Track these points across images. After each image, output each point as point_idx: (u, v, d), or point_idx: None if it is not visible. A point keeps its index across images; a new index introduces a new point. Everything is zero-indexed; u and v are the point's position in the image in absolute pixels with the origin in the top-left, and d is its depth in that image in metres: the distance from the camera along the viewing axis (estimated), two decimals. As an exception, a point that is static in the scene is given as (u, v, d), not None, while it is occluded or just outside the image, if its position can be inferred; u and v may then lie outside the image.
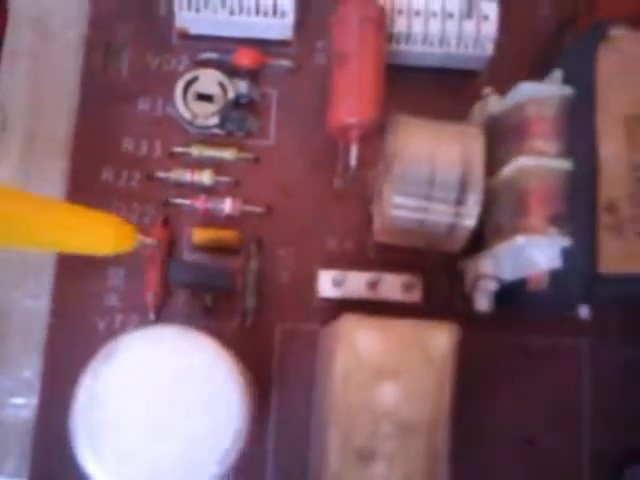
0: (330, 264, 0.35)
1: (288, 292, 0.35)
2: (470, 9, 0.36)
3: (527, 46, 0.38)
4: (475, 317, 0.33)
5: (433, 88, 0.37)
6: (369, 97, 0.33)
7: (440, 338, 0.28)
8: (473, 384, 0.34)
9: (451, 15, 0.36)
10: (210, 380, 0.25)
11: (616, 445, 0.35)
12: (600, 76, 0.28)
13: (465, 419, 0.33)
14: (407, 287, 0.34)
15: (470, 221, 0.31)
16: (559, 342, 0.35)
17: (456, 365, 0.28)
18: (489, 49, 0.36)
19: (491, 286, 0.32)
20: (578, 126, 0.29)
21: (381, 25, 0.35)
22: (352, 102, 0.33)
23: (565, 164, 0.29)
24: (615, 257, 0.27)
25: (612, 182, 0.28)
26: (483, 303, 0.32)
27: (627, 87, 0.28)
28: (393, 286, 0.34)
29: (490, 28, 0.36)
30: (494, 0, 0.36)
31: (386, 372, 0.27)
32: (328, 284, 0.34)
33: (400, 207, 0.31)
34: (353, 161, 0.34)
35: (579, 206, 0.28)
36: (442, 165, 0.30)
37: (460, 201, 0.30)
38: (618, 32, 0.29)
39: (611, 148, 0.28)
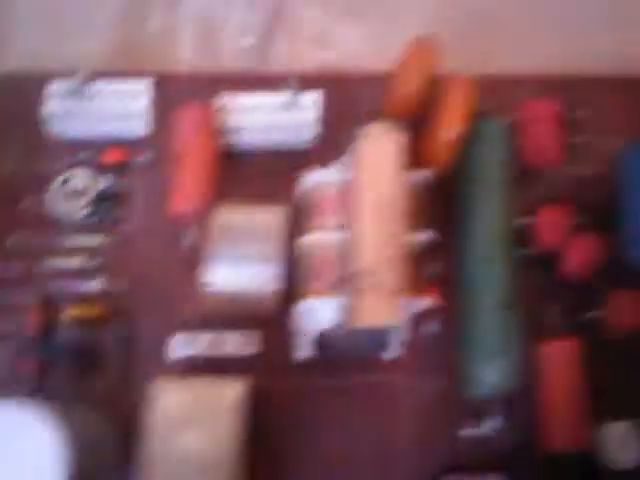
0: (185, 327, 0.42)
1: (151, 354, 0.41)
2: (292, 102, 0.43)
3: (351, 126, 0.45)
4: (304, 363, 0.39)
5: (268, 169, 0.44)
6: (198, 189, 0.40)
7: (231, 391, 0.34)
8: (300, 423, 0.40)
9: (276, 108, 0.43)
10: (33, 445, 0.31)
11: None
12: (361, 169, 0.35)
13: (297, 455, 0.39)
14: (246, 342, 0.40)
15: (274, 286, 0.37)
16: (376, 379, 0.41)
17: (249, 411, 0.34)
18: (311, 134, 0.43)
19: (308, 336, 0.38)
20: (346, 205, 0.35)
21: (210, 126, 0.42)
22: (184, 194, 0.40)
23: (341, 236, 0.35)
24: (370, 312, 0.33)
25: (369, 251, 0.34)
26: (304, 351, 0.38)
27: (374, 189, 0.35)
28: (234, 343, 0.40)
29: (311, 115, 0.43)
30: (316, 92, 0.43)
31: (187, 422, 0.33)
32: (181, 345, 0.41)
33: (212, 284, 0.37)
34: (187, 241, 0.40)
35: (346, 272, 0.35)
36: (249, 242, 0.37)
37: (263, 272, 0.37)
38: (377, 127, 0.36)
39: (366, 224, 0.34)
